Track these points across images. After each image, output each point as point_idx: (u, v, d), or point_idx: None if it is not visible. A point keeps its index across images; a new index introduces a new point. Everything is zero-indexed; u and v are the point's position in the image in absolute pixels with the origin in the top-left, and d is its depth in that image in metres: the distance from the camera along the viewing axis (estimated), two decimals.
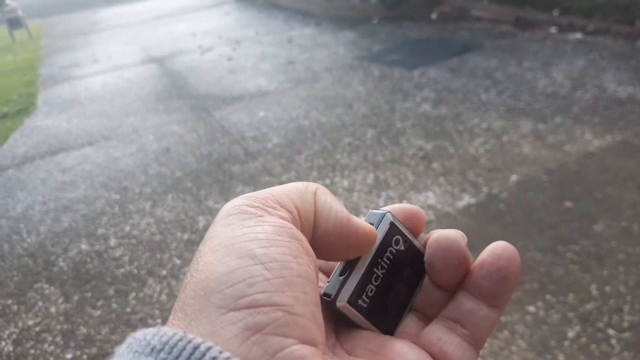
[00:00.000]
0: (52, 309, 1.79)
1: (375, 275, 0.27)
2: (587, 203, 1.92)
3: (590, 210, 1.87)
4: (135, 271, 1.94)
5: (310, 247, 0.24)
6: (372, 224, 0.28)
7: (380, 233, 0.27)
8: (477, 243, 1.76)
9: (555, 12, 4.45)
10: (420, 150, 2.49)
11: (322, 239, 0.25)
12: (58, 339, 1.66)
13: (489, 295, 0.25)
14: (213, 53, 5.16)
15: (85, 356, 1.59)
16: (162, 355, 0.18)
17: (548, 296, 1.53)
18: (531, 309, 1.50)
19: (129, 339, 0.20)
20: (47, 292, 1.89)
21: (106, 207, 2.45)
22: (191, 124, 3.36)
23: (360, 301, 0.26)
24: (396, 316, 0.27)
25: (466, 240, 0.26)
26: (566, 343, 1.38)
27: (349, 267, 0.27)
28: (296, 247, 0.22)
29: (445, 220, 1.91)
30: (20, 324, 1.76)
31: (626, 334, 1.38)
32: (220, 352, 0.18)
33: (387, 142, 2.64)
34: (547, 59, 3.51)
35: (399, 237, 0.28)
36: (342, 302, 0.26)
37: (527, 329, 1.43)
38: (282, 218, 0.23)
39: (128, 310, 1.75)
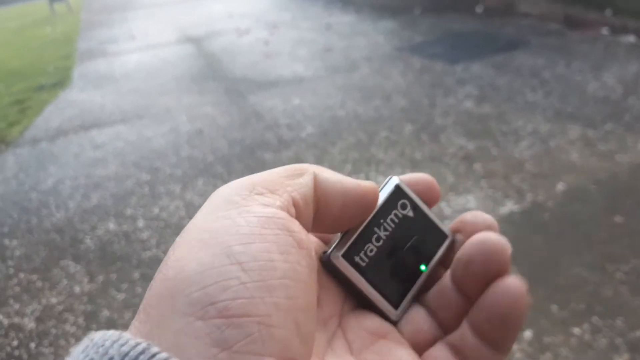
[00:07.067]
0: (77, 289, 1.77)
1: (376, 235, 0.26)
2: (639, 219, 1.80)
3: None
4: (162, 255, 1.90)
5: (305, 238, 0.21)
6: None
7: (384, 194, 0.26)
8: (520, 254, 1.66)
9: (608, 13, 4.23)
10: (461, 149, 2.38)
11: (325, 213, 0.24)
12: (80, 320, 1.63)
13: (490, 339, 0.22)
14: (250, 36, 5.10)
15: None
16: None
17: (595, 318, 1.42)
18: (576, 331, 1.40)
19: (86, 341, 0.18)
20: (72, 270, 1.87)
21: (136, 187, 2.42)
22: (225, 107, 3.30)
23: (357, 258, 0.25)
24: (403, 285, 0.26)
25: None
26: None
27: (350, 230, 0.25)
28: (285, 241, 0.20)
29: None
30: (43, 301, 1.74)
31: None
32: None
33: (426, 138, 2.54)
34: (598, 61, 3.34)
35: (405, 201, 0.27)
36: (336, 256, 0.25)
37: (572, 353, 1.34)
38: (270, 205, 0.21)
39: None
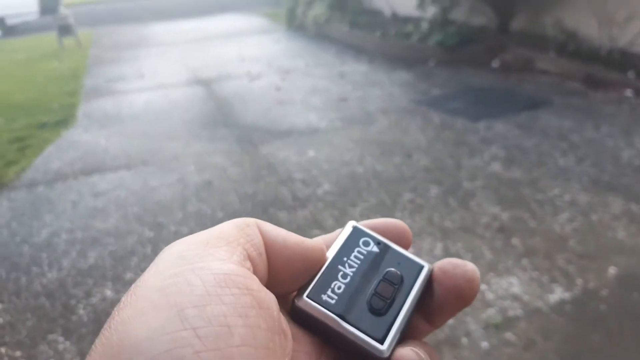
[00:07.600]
0: None
1: (341, 272, 0.25)
2: None
3: None
4: None
5: (265, 295, 0.19)
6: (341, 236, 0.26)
7: (342, 236, 0.26)
8: (581, 355, 1.44)
9: (631, 74, 4.13)
10: (495, 219, 2.19)
11: (280, 270, 0.22)
12: None
13: None
14: (262, 81, 4.99)
15: None
16: None
17: None
18: None
19: None
20: (61, 347, 1.63)
21: (137, 246, 2.20)
22: (236, 157, 3.13)
23: (325, 296, 0.23)
24: (385, 319, 0.23)
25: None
26: None
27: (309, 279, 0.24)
28: (244, 302, 0.18)
29: (536, 318, 1.59)
30: None
31: None
32: None
33: (455, 204, 2.35)
34: (627, 125, 3.20)
35: (367, 239, 0.26)
36: (300, 298, 0.23)
37: None
38: (227, 260, 0.19)
39: None
